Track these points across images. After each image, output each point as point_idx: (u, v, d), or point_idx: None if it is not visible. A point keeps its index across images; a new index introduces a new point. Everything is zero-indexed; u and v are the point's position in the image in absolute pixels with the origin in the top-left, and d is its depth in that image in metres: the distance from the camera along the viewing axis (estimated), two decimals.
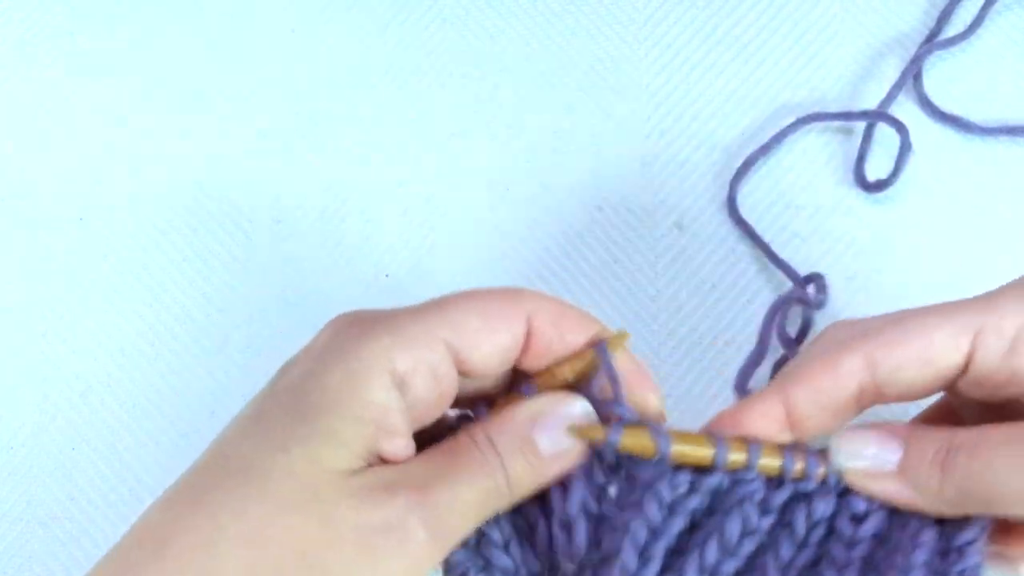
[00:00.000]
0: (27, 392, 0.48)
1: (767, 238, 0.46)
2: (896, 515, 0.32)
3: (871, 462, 0.32)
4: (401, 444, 0.32)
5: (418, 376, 0.32)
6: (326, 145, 0.50)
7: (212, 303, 0.48)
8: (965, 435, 0.30)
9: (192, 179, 0.50)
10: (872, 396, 0.32)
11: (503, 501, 0.32)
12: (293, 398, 0.32)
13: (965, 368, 0.31)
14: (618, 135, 0.49)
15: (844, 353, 0.32)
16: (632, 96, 0.49)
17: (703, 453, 0.32)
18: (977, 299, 0.31)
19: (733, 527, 0.33)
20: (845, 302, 0.45)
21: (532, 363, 0.34)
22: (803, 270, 0.45)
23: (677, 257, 0.47)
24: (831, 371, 0.32)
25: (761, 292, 0.46)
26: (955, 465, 0.30)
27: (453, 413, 0.35)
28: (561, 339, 0.34)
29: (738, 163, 0.47)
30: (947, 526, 0.32)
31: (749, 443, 0.32)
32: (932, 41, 0.48)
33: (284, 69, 0.51)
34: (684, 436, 0.33)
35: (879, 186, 0.46)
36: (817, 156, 0.48)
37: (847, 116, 0.47)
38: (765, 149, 0.47)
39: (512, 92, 0.50)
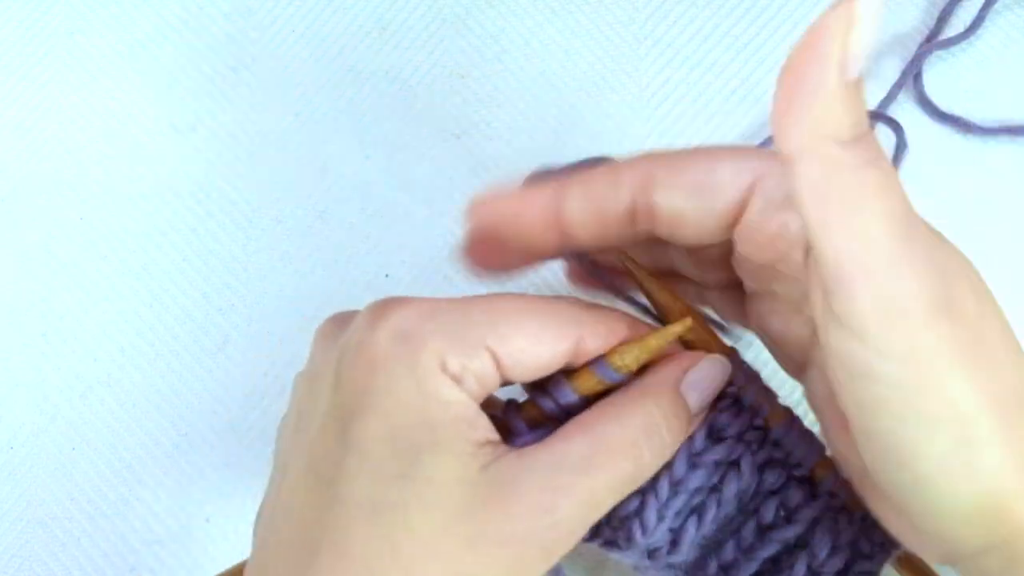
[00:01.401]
0: (27, 392, 0.48)
1: None
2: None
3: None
4: (485, 425, 0.31)
5: (466, 380, 0.31)
6: (326, 145, 0.50)
7: (212, 303, 0.48)
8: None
9: (192, 179, 0.50)
10: (646, 219, 0.30)
11: (653, 468, 0.32)
12: (380, 421, 0.30)
13: (738, 217, 0.29)
14: (618, 135, 0.49)
15: (625, 165, 0.30)
16: (632, 96, 0.49)
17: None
18: (771, 150, 0.29)
19: (730, 488, 0.33)
20: None
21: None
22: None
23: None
24: (609, 176, 0.30)
25: None
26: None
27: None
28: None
29: None
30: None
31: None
32: (932, 41, 0.48)
33: (284, 69, 0.51)
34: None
35: None
36: None
37: None
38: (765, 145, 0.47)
39: (512, 92, 0.50)
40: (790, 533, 0.33)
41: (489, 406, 0.33)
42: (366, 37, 0.51)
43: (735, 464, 0.33)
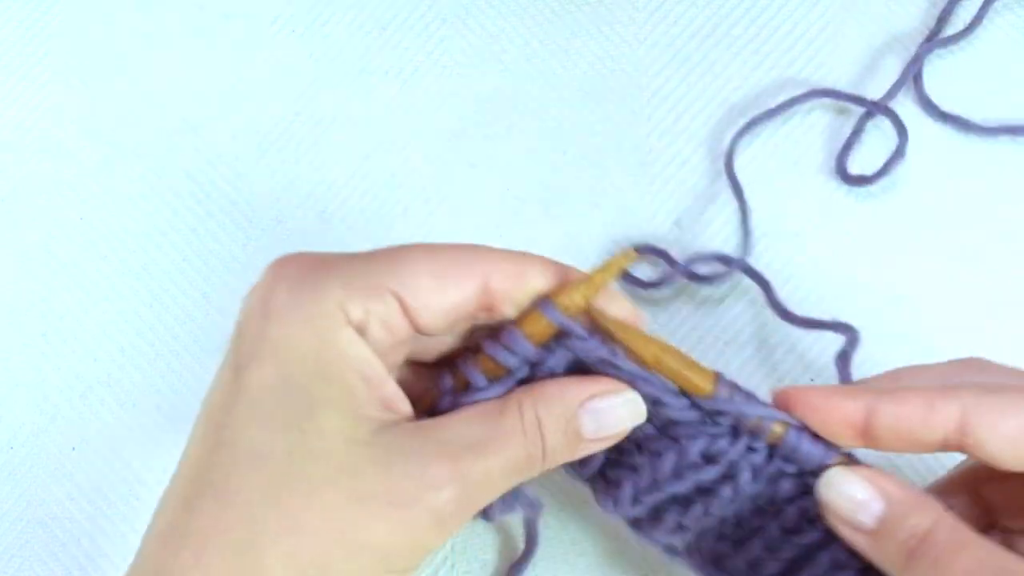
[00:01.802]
0: (27, 392, 0.48)
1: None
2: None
3: (848, 508, 0.31)
4: (391, 389, 0.32)
5: (370, 326, 0.31)
6: (326, 145, 0.50)
7: (212, 303, 0.48)
8: (944, 536, 0.30)
9: (192, 179, 0.50)
10: (955, 447, 0.31)
11: (533, 471, 0.33)
12: (274, 368, 0.31)
13: None
14: (618, 135, 0.49)
15: (940, 396, 0.31)
16: (632, 96, 0.49)
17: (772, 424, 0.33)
18: None
19: (723, 492, 0.34)
20: (843, 303, 0.45)
21: (497, 316, 0.33)
22: (803, 269, 0.45)
23: (677, 257, 0.47)
24: (924, 408, 0.31)
25: (761, 291, 0.46)
26: (919, 562, 0.30)
27: None
28: (522, 289, 0.33)
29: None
30: None
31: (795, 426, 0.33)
32: (932, 40, 0.48)
33: (284, 69, 0.51)
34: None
35: (860, 180, 0.46)
36: (817, 153, 0.48)
37: (854, 99, 0.47)
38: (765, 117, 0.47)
39: (512, 92, 0.50)
40: (812, 536, 0.33)
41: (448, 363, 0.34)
42: (366, 37, 0.51)
43: (732, 477, 0.34)
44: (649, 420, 0.34)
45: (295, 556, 0.29)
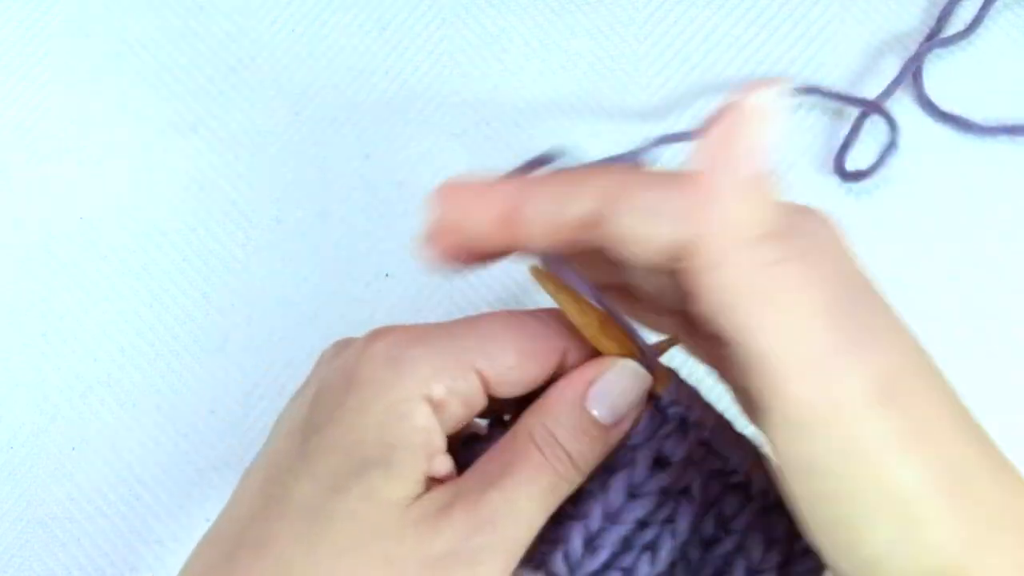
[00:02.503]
0: (27, 392, 0.48)
1: None
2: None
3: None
4: (443, 460, 0.32)
5: (451, 404, 0.31)
6: (326, 145, 0.50)
7: (212, 303, 0.48)
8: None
9: (192, 179, 0.50)
10: (600, 234, 0.29)
11: (572, 485, 0.32)
12: (340, 433, 0.31)
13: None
14: (618, 135, 0.49)
15: (591, 173, 0.29)
16: (632, 96, 0.49)
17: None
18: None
19: (684, 518, 0.32)
20: None
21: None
22: None
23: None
24: (573, 182, 0.29)
25: None
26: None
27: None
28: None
29: None
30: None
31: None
32: (932, 40, 0.48)
33: (284, 69, 0.51)
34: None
35: (857, 176, 0.46)
36: (815, 153, 0.48)
37: (845, 99, 0.47)
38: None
39: (512, 92, 0.50)
40: (729, 545, 0.32)
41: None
42: (366, 37, 0.51)
43: (685, 491, 0.32)
44: None
45: None
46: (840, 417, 0.25)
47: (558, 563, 0.32)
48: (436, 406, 0.31)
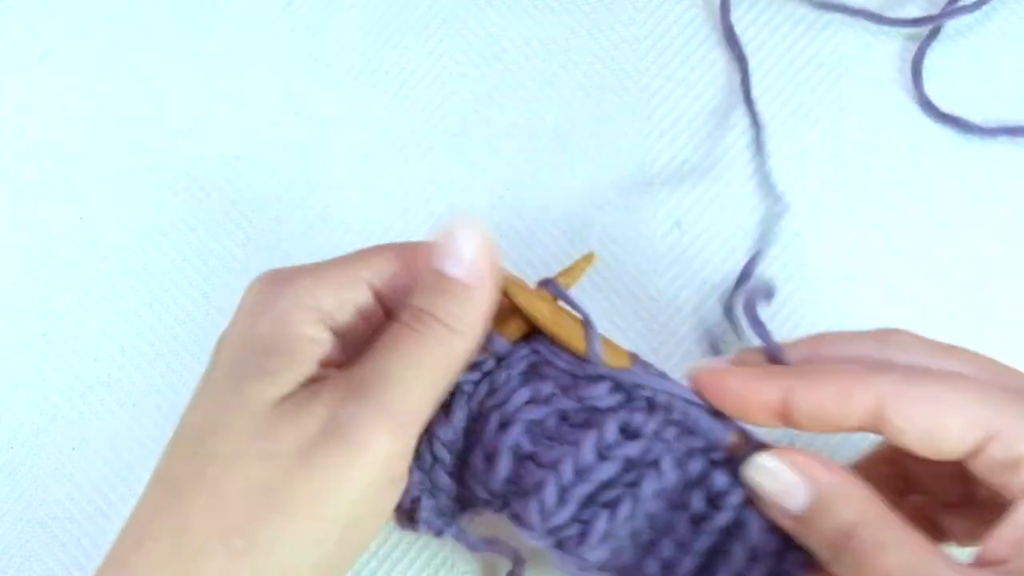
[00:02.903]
0: (27, 392, 0.48)
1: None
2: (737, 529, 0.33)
3: (774, 493, 0.31)
4: (326, 338, 0.33)
5: (345, 313, 0.33)
6: (326, 145, 0.50)
7: (212, 303, 0.48)
8: (867, 534, 0.29)
9: (192, 179, 0.50)
10: (872, 431, 0.31)
11: (453, 348, 0.33)
12: (226, 353, 0.33)
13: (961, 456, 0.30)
14: (618, 135, 0.49)
15: (857, 381, 0.31)
16: (632, 96, 0.49)
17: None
18: (1000, 392, 0.30)
19: (649, 485, 0.33)
20: (842, 300, 0.45)
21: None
22: (802, 270, 0.45)
23: (678, 257, 0.47)
24: (841, 392, 0.31)
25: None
26: (844, 557, 0.30)
27: None
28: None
29: None
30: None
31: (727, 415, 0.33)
32: (931, 40, 0.48)
33: (284, 69, 0.51)
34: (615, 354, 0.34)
35: None
36: (819, 153, 0.48)
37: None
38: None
39: (512, 92, 0.50)
40: (720, 521, 0.33)
41: None
42: (366, 37, 0.51)
43: (654, 464, 0.33)
44: (565, 419, 0.34)
45: (220, 530, 0.30)
46: None
47: (532, 513, 0.33)
48: (328, 319, 0.33)
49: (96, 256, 0.49)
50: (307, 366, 0.32)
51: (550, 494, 0.33)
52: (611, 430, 0.33)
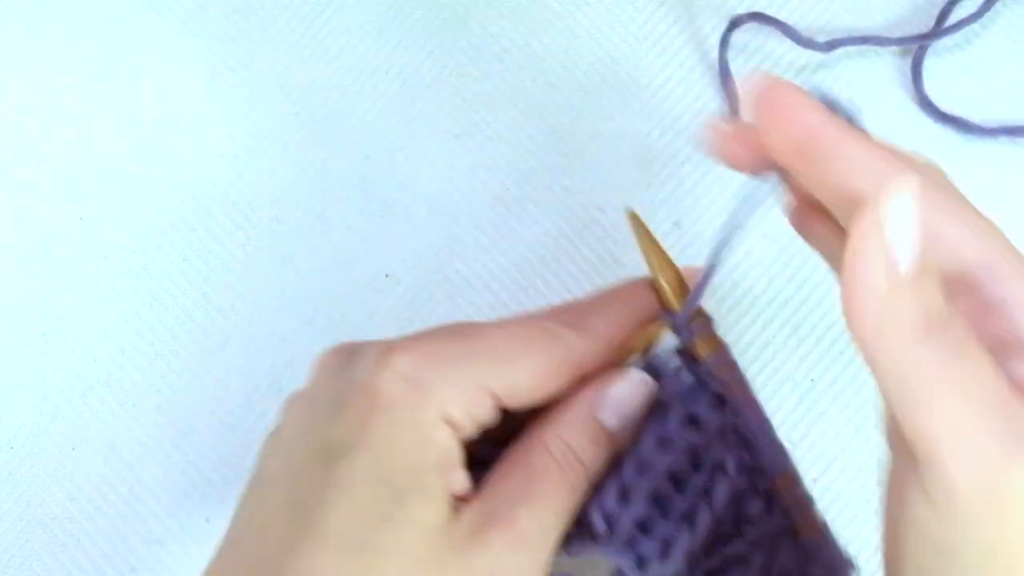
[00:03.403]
0: (27, 392, 0.48)
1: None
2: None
3: (891, 236, 0.26)
4: (460, 476, 0.32)
5: (467, 426, 0.32)
6: (326, 145, 0.50)
7: (212, 303, 0.48)
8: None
9: (192, 179, 0.50)
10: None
11: (583, 493, 0.33)
12: (370, 460, 0.30)
13: None
14: (618, 135, 0.49)
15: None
16: (632, 96, 0.49)
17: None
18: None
19: (722, 490, 0.32)
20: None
21: None
22: (805, 269, 0.45)
23: (677, 257, 0.46)
24: (888, 160, 0.29)
25: (763, 292, 0.46)
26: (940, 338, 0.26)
27: None
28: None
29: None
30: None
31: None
32: (931, 41, 0.48)
33: (284, 69, 0.51)
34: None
35: None
36: None
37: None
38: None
39: (512, 92, 0.50)
40: (734, 548, 0.32)
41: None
42: (366, 37, 0.51)
43: (721, 467, 0.32)
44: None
45: None
46: (997, 510, 0.24)
47: (597, 519, 0.32)
48: (454, 427, 0.32)
49: (96, 256, 0.49)
50: (447, 481, 0.31)
51: (610, 496, 0.32)
52: (675, 418, 0.32)
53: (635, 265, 0.46)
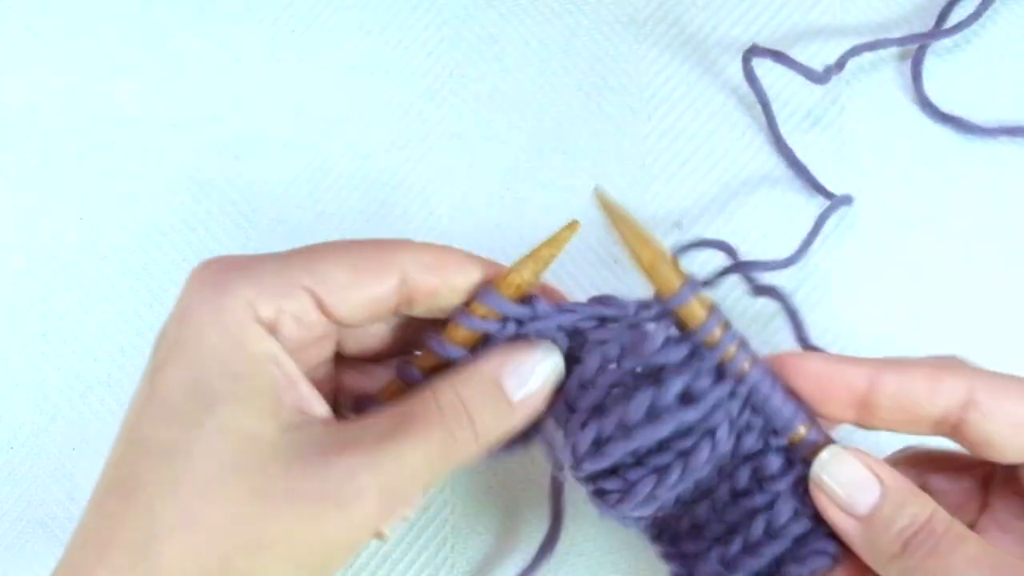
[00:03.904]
0: (27, 392, 0.48)
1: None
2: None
3: (843, 491, 0.31)
4: (303, 391, 0.32)
5: (285, 324, 0.32)
6: (326, 145, 0.50)
7: None
8: (943, 528, 0.30)
9: (192, 179, 0.50)
10: (950, 431, 0.31)
11: (467, 453, 0.32)
12: (183, 369, 0.31)
13: None
14: (618, 135, 0.49)
15: (950, 374, 0.31)
16: (632, 96, 0.49)
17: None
18: None
19: (702, 456, 0.32)
20: (841, 300, 0.45)
21: (423, 310, 0.34)
22: (801, 275, 0.46)
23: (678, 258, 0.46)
24: (931, 381, 0.31)
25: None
26: (915, 551, 0.29)
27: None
28: (445, 284, 0.33)
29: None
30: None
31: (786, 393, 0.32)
32: (931, 41, 0.48)
33: (284, 69, 0.51)
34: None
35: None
36: (819, 153, 0.48)
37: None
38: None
39: (512, 92, 0.50)
40: (759, 501, 0.33)
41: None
42: (366, 37, 0.51)
43: (711, 433, 0.32)
44: (630, 369, 0.33)
45: (194, 550, 0.29)
46: None
47: (566, 453, 0.33)
48: (269, 327, 0.31)
49: (96, 256, 0.49)
50: (280, 394, 0.31)
51: (584, 441, 0.32)
52: (670, 392, 0.32)
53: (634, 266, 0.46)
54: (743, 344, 0.33)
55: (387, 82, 0.50)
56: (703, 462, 0.32)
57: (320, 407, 0.32)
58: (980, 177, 0.47)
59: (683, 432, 0.32)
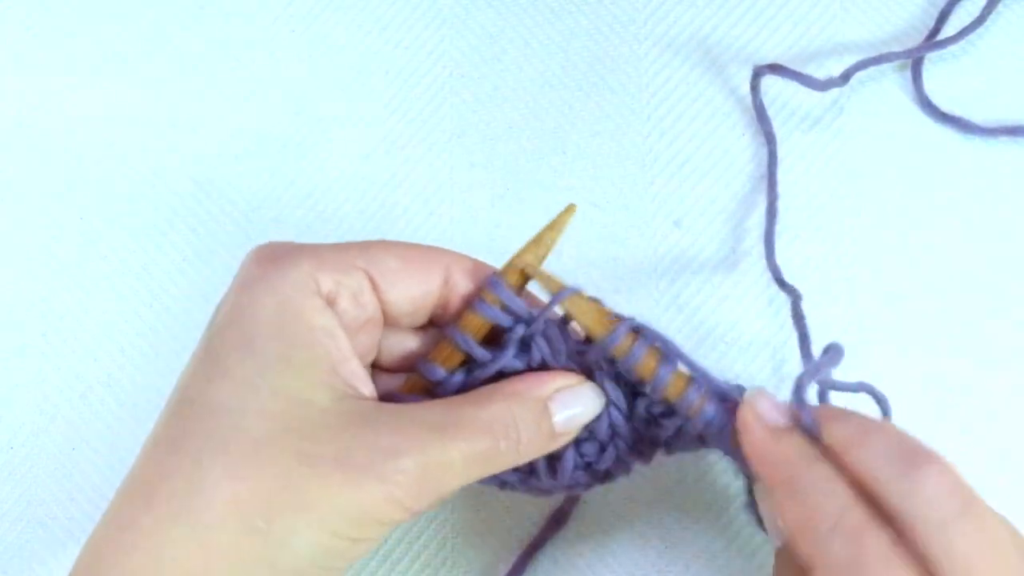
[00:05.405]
0: (27, 392, 0.48)
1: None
2: None
3: (763, 410, 0.32)
4: (354, 367, 0.33)
5: (342, 298, 0.33)
6: (326, 145, 0.50)
7: (212, 303, 0.48)
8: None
9: (192, 179, 0.50)
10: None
11: (504, 463, 0.34)
12: (240, 332, 0.32)
13: None
14: (618, 135, 0.49)
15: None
16: (632, 96, 0.49)
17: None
18: None
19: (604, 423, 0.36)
20: (841, 300, 0.45)
21: (452, 312, 0.36)
22: (801, 275, 0.46)
23: (677, 257, 0.47)
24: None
25: (762, 291, 0.46)
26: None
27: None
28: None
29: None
30: None
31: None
32: (931, 41, 0.48)
33: (284, 69, 0.51)
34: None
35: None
36: (819, 152, 0.48)
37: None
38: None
39: (512, 92, 0.50)
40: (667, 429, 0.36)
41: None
42: (366, 37, 0.51)
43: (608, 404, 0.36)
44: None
45: (238, 505, 0.30)
46: None
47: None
48: (328, 300, 0.33)
49: (96, 256, 0.49)
50: (333, 367, 0.32)
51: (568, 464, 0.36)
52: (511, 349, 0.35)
53: (635, 264, 0.47)
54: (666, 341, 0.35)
55: (387, 82, 0.50)
56: (607, 425, 0.36)
57: (367, 388, 0.33)
58: (980, 177, 0.47)
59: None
